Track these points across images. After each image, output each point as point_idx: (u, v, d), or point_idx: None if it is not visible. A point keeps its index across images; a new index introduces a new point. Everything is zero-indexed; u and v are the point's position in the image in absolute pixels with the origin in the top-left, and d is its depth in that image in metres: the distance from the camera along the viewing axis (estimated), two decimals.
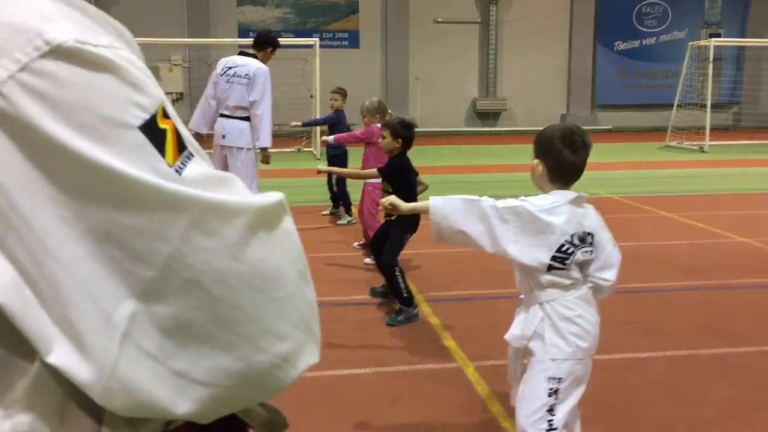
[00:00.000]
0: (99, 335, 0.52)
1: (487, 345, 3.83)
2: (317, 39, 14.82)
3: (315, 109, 13.76)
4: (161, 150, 0.54)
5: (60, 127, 0.50)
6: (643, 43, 21.40)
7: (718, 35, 19.87)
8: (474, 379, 3.49)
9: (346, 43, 20.17)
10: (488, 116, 20.86)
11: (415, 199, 4.36)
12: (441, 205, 2.33)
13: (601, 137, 18.04)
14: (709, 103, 15.44)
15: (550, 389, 2.29)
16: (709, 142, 15.00)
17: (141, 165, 0.52)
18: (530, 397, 2.33)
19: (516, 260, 2.31)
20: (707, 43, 16.03)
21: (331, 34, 19.98)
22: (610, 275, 2.37)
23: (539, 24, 20.55)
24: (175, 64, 17.93)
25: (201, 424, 0.63)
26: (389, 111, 5.97)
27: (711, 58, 15.52)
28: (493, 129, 20.34)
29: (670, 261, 5.81)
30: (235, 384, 0.57)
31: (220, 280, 0.55)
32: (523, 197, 2.34)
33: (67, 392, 0.55)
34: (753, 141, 15.74)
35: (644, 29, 21.40)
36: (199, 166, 0.57)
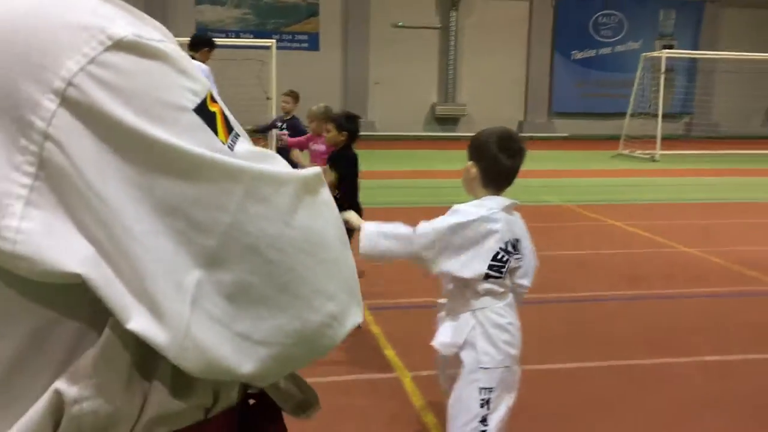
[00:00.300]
0: (172, 301, 0.56)
1: (426, 354, 3.78)
2: (274, 40, 14.69)
3: (271, 111, 13.65)
4: (214, 130, 0.60)
5: (126, 111, 0.56)
6: (599, 53, 21.80)
7: (671, 47, 20.34)
8: (410, 390, 3.46)
9: (306, 45, 20.08)
10: (447, 121, 20.99)
11: (357, 190, 4.54)
12: (372, 246, 2.31)
13: (557, 144, 18.33)
14: (660, 113, 15.78)
15: (482, 399, 2.27)
16: (660, 152, 15.30)
17: (199, 142, 0.58)
18: (462, 409, 2.29)
19: (455, 276, 2.28)
20: (660, 54, 16.39)
21: (290, 36, 19.85)
22: (527, 281, 2.40)
23: (498, 31, 20.77)
24: None
25: (239, 411, 0.71)
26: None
27: (663, 69, 15.87)
28: (452, 134, 20.45)
29: (613, 270, 5.87)
30: (292, 342, 0.61)
31: (274, 245, 0.59)
32: (456, 205, 2.31)
33: (131, 361, 0.60)
34: (703, 151, 16.11)
35: (600, 39, 21.80)
36: (246, 144, 0.62)
